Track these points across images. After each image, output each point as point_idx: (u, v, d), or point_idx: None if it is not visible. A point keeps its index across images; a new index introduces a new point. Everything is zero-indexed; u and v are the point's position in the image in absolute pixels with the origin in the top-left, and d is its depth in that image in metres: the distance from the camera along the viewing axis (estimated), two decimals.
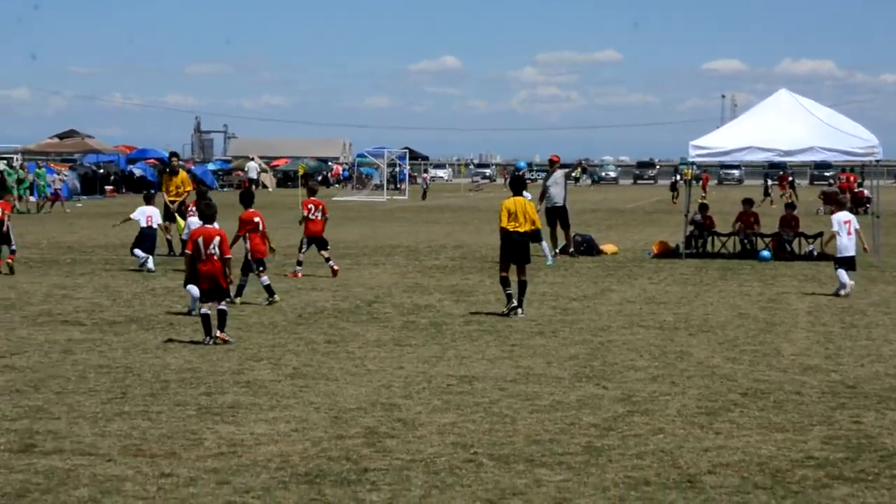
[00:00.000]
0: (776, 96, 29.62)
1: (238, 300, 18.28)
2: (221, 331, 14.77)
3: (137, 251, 23.90)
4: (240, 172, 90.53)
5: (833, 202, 23.97)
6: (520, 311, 17.53)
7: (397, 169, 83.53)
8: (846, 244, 20.80)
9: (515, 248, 17.56)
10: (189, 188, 28.11)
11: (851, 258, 20.83)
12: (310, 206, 22.97)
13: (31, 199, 49.81)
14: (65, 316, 17.30)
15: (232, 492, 8.33)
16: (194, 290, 16.16)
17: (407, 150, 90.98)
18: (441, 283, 22.36)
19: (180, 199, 27.39)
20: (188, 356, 13.88)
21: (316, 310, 18.24)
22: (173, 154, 32.11)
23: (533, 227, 17.78)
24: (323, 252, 23.06)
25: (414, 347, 14.79)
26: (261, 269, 18.86)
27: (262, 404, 11.27)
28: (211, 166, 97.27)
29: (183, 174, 28.72)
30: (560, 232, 28.55)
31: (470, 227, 39.08)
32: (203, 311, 14.92)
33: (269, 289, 18.76)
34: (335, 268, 22.89)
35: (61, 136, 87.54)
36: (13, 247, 23.84)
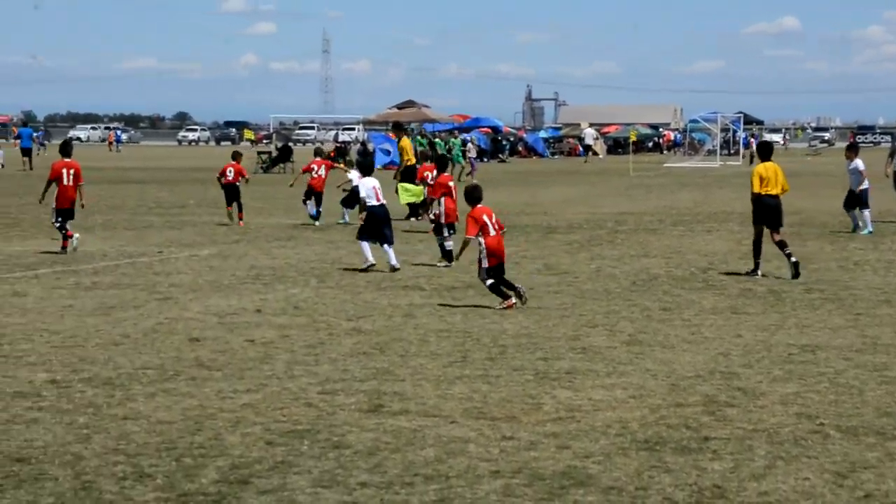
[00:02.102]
0: None
1: (445, 262, 19.41)
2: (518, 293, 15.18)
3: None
4: (570, 139, 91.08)
5: None
6: (799, 269, 17.79)
7: (730, 134, 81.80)
8: None
9: (769, 212, 18.04)
10: (409, 156, 29.43)
11: None
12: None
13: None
14: (405, 281, 17.86)
15: (572, 456, 8.37)
16: (366, 245, 18.49)
17: (741, 115, 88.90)
18: (777, 250, 21.67)
19: (401, 166, 29.40)
20: (524, 321, 14.07)
21: (649, 277, 18.10)
22: (396, 124, 33.51)
23: (784, 191, 18.16)
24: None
25: (751, 315, 14.44)
26: (451, 232, 19.94)
27: (598, 370, 11.29)
28: (542, 134, 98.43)
29: (404, 141, 30.01)
30: None
31: (806, 193, 37.74)
32: (489, 282, 15.12)
33: (448, 254, 19.53)
34: None
35: (399, 107, 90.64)
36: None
